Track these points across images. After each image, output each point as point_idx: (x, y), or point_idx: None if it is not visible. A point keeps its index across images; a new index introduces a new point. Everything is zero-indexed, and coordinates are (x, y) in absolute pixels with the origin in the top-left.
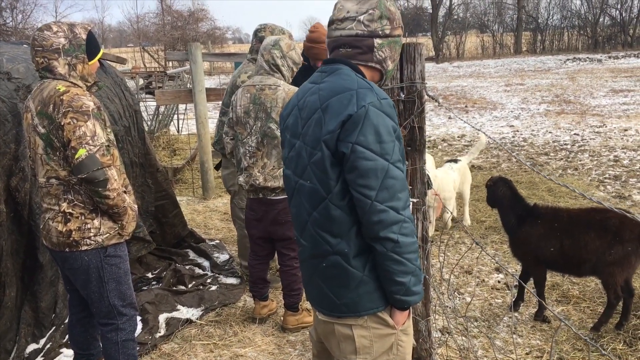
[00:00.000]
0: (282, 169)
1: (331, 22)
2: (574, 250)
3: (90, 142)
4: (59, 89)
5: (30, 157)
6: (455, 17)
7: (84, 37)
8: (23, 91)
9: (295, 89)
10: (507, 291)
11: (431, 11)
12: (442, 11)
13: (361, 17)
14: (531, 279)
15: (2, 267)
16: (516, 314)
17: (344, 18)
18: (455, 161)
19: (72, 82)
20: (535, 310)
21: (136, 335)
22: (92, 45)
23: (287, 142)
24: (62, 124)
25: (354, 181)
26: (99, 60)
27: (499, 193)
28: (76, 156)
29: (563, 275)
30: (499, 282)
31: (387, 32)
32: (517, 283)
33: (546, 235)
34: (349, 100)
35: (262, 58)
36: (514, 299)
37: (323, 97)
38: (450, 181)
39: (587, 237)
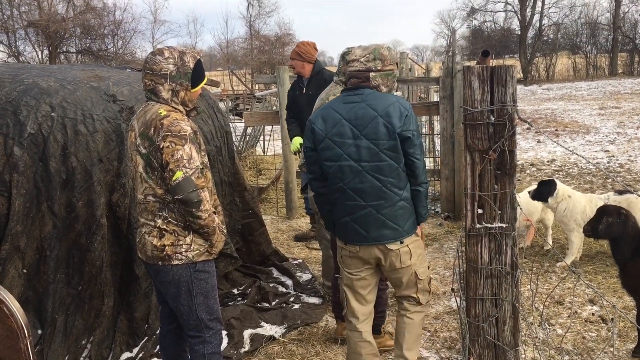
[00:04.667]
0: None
1: (347, 62)
2: None
3: (186, 165)
4: (161, 113)
5: (131, 173)
6: (545, 38)
7: (192, 65)
8: (126, 113)
9: None
10: (602, 324)
11: (519, 32)
12: (531, 32)
13: (362, 59)
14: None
15: (102, 278)
16: (611, 349)
17: (353, 60)
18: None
19: (173, 107)
20: (634, 345)
21: (222, 349)
22: (197, 74)
23: (339, 144)
24: (161, 146)
25: (412, 153)
26: None
27: (630, 224)
28: (174, 178)
29: None
30: (593, 314)
31: (379, 67)
32: (612, 316)
33: None
34: (398, 106)
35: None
36: (636, 346)
37: (378, 107)
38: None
39: None
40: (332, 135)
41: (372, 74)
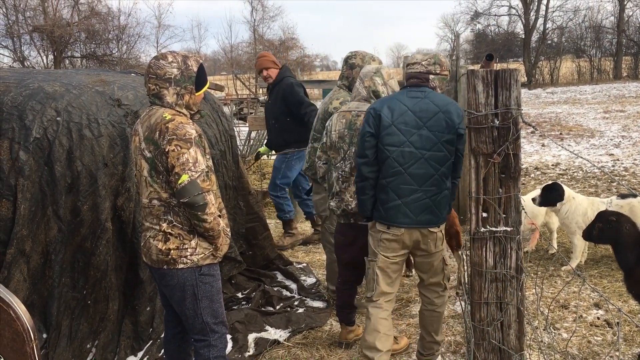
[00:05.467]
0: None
1: (407, 65)
2: None
3: (192, 168)
4: (165, 117)
5: (136, 177)
6: (549, 42)
7: (195, 69)
8: (131, 117)
9: None
10: (608, 328)
11: (523, 36)
12: (535, 36)
13: (424, 63)
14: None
15: (107, 282)
16: (617, 353)
17: (414, 62)
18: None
19: (177, 111)
20: None
21: (227, 352)
22: (200, 78)
23: (404, 131)
24: (167, 150)
25: (461, 149)
26: None
27: (624, 230)
28: (179, 181)
29: None
30: (598, 318)
31: (438, 71)
32: (618, 320)
33: None
34: (455, 106)
35: (361, 84)
36: None
37: (439, 104)
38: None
39: None
40: (398, 123)
41: (431, 76)
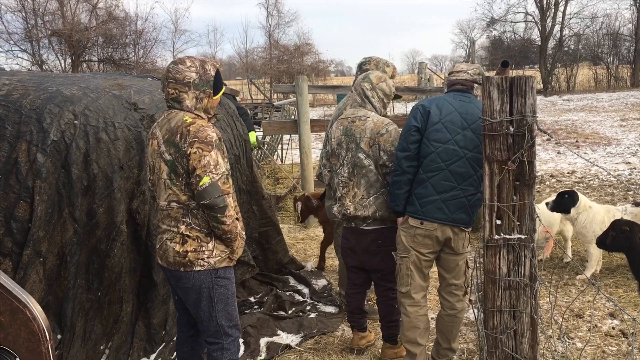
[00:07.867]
0: (377, 191)
1: (451, 72)
2: None
3: (213, 170)
4: (186, 120)
5: (151, 180)
6: (566, 49)
7: (213, 73)
8: (147, 121)
9: (384, 119)
10: (623, 338)
11: (540, 43)
12: (551, 43)
13: (470, 72)
14: None
15: (121, 284)
16: None
17: (460, 71)
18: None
19: (196, 114)
20: None
21: (239, 356)
22: (217, 82)
23: (450, 130)
24: (188, 152)
25: None
26: None
27: (637, 240)
28: (200, 183)
29: None
30: (613, 328)
31: (480, 81)
32: (633, 330)
33: None
34: None
35: (355, 91)
36: None
37: (478, 110)
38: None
39: None
40: (446, 122)
41: (475, 85)
